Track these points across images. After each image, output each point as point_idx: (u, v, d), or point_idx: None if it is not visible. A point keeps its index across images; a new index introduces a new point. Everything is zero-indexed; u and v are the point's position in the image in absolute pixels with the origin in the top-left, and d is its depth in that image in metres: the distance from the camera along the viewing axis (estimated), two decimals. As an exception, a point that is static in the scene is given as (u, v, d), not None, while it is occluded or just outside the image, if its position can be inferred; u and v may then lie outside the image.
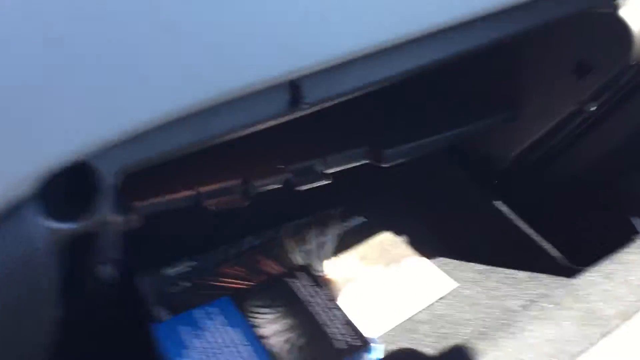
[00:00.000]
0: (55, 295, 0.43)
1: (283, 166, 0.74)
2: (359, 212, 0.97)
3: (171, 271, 0.85)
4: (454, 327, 0.82)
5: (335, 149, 0.79)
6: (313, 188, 1.03)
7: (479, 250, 0.93)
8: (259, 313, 0.78)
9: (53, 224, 0.41)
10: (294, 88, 0.51)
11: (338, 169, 0.79)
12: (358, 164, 0.80)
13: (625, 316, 0.67)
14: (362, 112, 0.94)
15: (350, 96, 0.56)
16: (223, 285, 0.84)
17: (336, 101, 0.56)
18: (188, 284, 0.83)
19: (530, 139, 0.91)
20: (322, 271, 0.87)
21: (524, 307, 0.82)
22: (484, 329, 0.80)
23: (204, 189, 0.69)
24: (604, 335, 0.65)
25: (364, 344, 0.74)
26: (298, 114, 0.53)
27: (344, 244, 0.92)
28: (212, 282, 0.84)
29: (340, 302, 0.80)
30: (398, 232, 0.95)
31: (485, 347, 0.64)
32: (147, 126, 0.41)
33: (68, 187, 0.42)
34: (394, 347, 0.80)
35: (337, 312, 0.78)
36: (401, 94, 0.98)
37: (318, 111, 0.58)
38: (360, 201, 0.98)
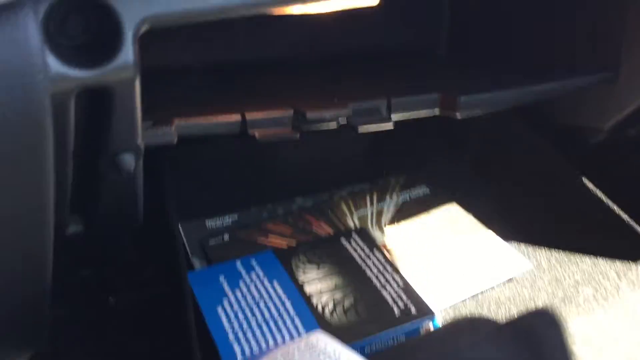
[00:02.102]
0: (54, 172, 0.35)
1: (340, 101, 0.65)
2: (423, 181, 0.87)
3: (212, 222, 0.77)
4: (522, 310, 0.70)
5: (403, 92, 0.69)
6: (373, 154, 0.95)
7: (558, 231, 0.81)
8: (304, 270, 0.69)
9: (60, 68, 0.34)
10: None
11: (405, 115, 0.69)
12: (427, 111, 0.70)
13: None
14: (436, 57, 0.86)
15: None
16: (265, 242, 0.75)
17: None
18: (227, 237, 0.75)
19: (629, 107, 0.79)
20: (379, 239, 0.78)
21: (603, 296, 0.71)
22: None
23: (250, 114, 0.61)
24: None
25: (425, 311, 0.64)
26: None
27: (404, 213, 0.82)
28: (253, 238, 0.76)
29: (397, 270, 0.70)
30: (466, 205, 0.84)
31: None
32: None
33: (83, 27, 0.35)
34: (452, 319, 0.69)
35: (394, 276, 0.68)
36: (484, 38, 0.88)
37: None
38: (425, 169, 0.88)
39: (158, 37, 0.46)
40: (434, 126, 0.86)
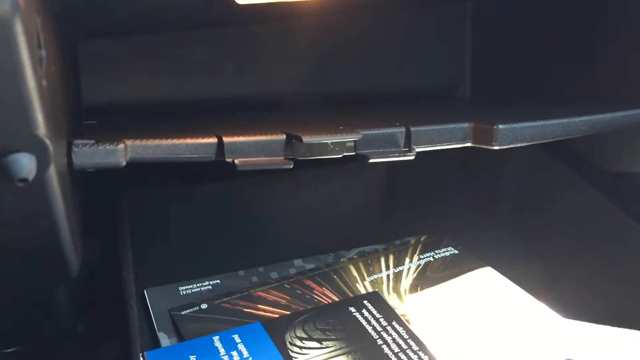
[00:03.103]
0: None
1: (347, 128, 0.51)
2: (449, 241, 0.72)
3: (187, 288, 0.62)
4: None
5: (426, 122, 0.56)
6: (386, 210, 0.80)
7: (620, 302, 0.65)
8: (301, 347, 0.53)
9: None
10: None
11: (427, 147, 0.55)
12: (456, 145, 0.56)
13: None
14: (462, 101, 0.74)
15: None
16: (253, 313, 0.59)
17: None
18: (205, 307, 0.59)
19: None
20: (397, 307, 0.61)
21: None
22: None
23: (229, 138, 0.47)
24: None
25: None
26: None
27: (427, 278, 0.66)
28: (239, 307, 0.60)
29: (423, 345, 0.53)
30: (501, 269, 0.68)
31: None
32: None
33: None
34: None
35: (419, 354, 0.52)
36: (514, 87, 0.77)
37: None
38: (449, 228, 0.73)
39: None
40: (459, 177, 0.72)
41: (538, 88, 0.76)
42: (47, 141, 0.29)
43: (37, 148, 0.29)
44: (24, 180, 0.28)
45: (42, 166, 0.30)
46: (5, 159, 0.28)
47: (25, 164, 0.28)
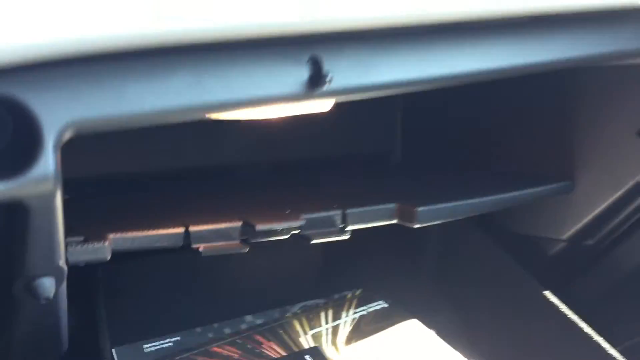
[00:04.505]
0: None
1: (292, 212, 0.61)
2: (379, 295, 0.82)
3: (150, 346, 0.70)
4: None
5: (359, 202, 0.66)
6: (326, 266, 0.90)
7: (523, 349, 0.77)
8: (252, 401, 0.62)
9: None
10: (314, 64, 0.39)
11: (360, 225, 0.65)
12: (384, 222, 0.67)
13: None
14: (390, 164, 0.84)
15: (383, 92, 0.44)
16: (210, 367, 0.68)
17: (365, 94, 0.44)
18: (168, 363, 0.68)
19: (587, 217, 0.77)
20: (334, 359, 0.71)
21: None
22: None
23: (195, 227, 0.56)
24: None
25: None
26: (316, 103, 0.41)
27: (361, 330, 0.76)
28: (197, 363, 0.68)
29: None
30: (426, 320, 0.79)
31: None
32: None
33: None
34: None
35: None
36: (438, 149, 0.87)
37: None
38: (380, 281, 0.84)
39: (93, 143, 0.41)
40: (390, 236, 0.82)
41: (461, 158, 0.87)
42: (65, 267, 0.37)
43: (57, 273, 0.37)
44: (48, 298, 0.37)
45: (58, 285, 0.38)
46: (33, 283, 0.36)
47: (49, 286, 0.37)
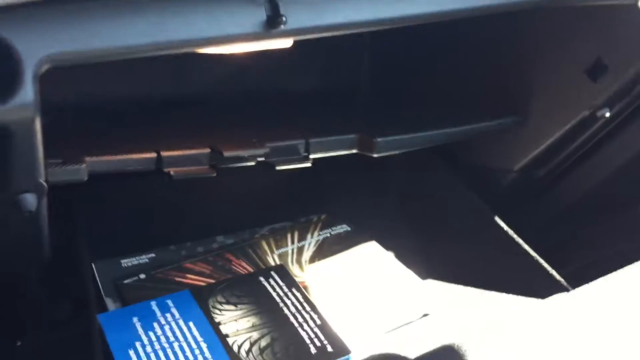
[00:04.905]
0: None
1: (258, 141, 0.66)
2: (343, 220, 0.88)
3: (127, 261, 0.76)
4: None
5: (322, 133, 0.71)
6: (295, 193, 0.95)
7: (472, 269, 0.83)
8: (221, 310, 0.68)
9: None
10: (271, 5, 0.43)
11: (323, 154, 0.71)
12: (345, 152, 0.72)
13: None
14: (355, 98, 0.88)
15: (338, 32, 0.49)
16: (183, 282, 0.74)
17: (320, 34, 0.48)
18: (144, 277, 0.74)
19: (536, 149, 0.83)
20: (298, 276, 0.78)
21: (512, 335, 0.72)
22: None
23: (166, 153, 0.61)
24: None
25: (341, 350, 0.64)
26: (273, 41, 0.46)
27: (324, 251, 0.83)
28: (171, 277, 0.74)
29: (315, 307, 0.70)
30: (385, 243, 0.85)
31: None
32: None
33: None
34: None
35: (312, 315, 0.68)
36: (401, 85, 0.91)
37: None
38: (345, 209, 0.90)
39: (70, 71, 0.45)
40: (355, 164, 0.87)
41: (423, 94, 0.91)
42: (45, 185, 0.42)
43: (38, 189, 0.42)
44: (30, 211, 0.42)
45: (40, 199, 0.43)
46: (17, 197, 0.41)
47: (31, 200, 0.42)
